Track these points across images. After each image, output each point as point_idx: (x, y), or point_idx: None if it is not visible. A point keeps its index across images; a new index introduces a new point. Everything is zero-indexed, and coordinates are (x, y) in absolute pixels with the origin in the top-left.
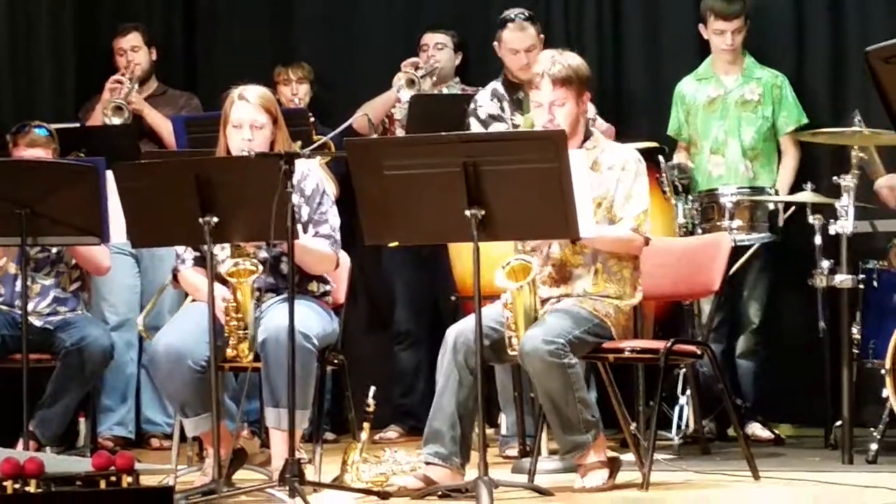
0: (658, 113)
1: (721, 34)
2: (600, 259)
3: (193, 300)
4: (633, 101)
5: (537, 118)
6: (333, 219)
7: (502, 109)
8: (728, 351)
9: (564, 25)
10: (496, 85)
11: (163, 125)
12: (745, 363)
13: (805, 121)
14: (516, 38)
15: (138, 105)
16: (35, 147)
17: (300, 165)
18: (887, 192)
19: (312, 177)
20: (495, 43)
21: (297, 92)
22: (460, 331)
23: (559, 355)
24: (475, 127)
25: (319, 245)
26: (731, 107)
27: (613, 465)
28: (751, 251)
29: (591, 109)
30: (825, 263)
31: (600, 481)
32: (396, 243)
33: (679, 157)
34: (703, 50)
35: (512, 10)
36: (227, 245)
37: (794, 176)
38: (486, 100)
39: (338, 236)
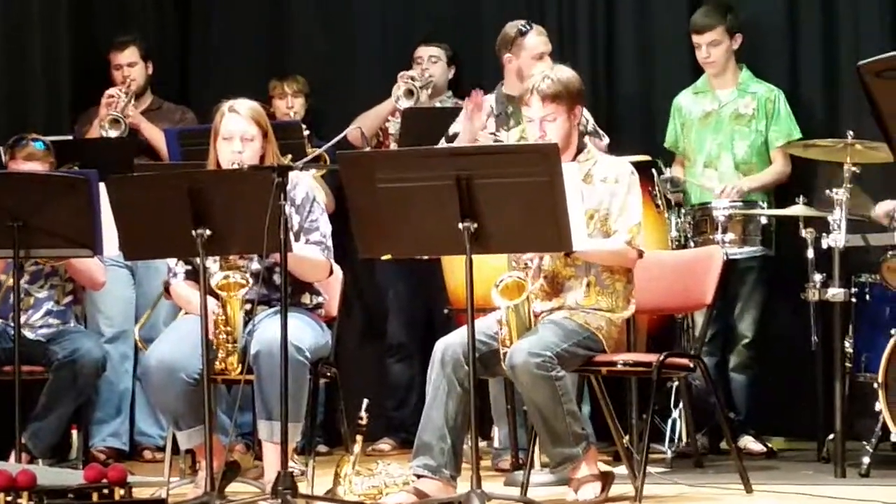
0: (651, 126)
1: (698, 48)
2: (593, 271)
3: (186, 313)
4: (626, 114)
5: (529, 134)
6: (324, 226)
7: (485, 126)
8: (721, 364)
9: (558, 38)
10: (488, 98)
11: (159, 138)
12: (738, 376)
13: (797, 136)
14: (541, 42)
15: (135, 119)
16: (32, 160)
17: (290, 175)
18: (885, 219)
19: (302, 185)
20: (507, 55)
21: (292, 105)
22: (448, 344)
23: (546, 368)
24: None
25: (311, 253)
26: (725, 121)
27: (606, 479)
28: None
29: (591, 122)
30: (817, 277)
31: (592, 495)
32: (389, 256)
33: (673, 171)
34: (696, 64)
35: (515, 21)
36: (217, 258)
37: (770, 182)
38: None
39: (329, 243)
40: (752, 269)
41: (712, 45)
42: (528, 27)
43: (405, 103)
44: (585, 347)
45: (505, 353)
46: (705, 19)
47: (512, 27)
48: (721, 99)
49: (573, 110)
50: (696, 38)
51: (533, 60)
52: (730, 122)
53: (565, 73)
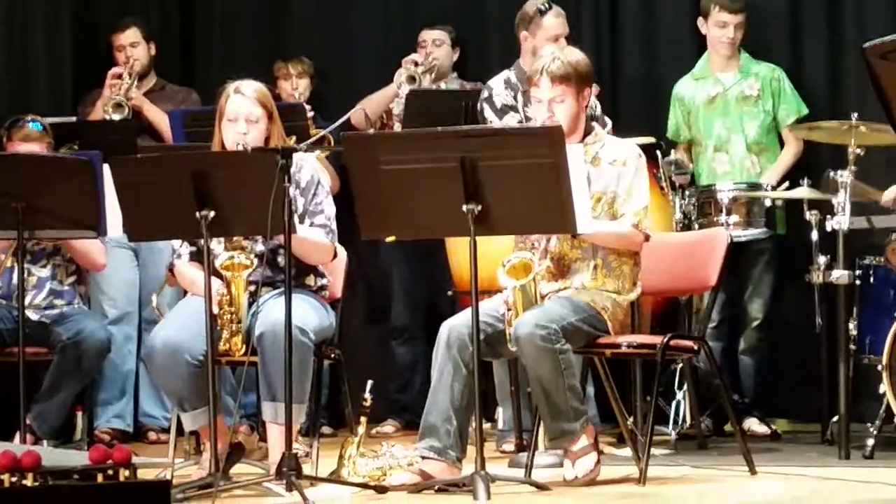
0: (655, 107)
1: (724, 27)
2: (600, 254)
3: (188, 294)
4: (630, 95)
5: (537, 115)
6: (329, 208)
7: (515, 100)
8: (728, 347)
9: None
10: (509, 75)
11: (161, 120)
12: (747, 359)
13: (805, 112)
14: (559, 24)
15: (137, 100)
16: (29, 142)
17: (294, 157)
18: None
19: (307, 168)
20: (524, 33)
21: (297, 87)
22: (454, 325)
23: (552, 340)
24: (490, 114)
25: (315, 235)
26: (732, 103)
27: (598, 446)
28: None
29: (598, 106)
30: (822, 259)
31: (590, 466)
32: (393, 238)
33: (677, 154)
34: (700, 44)
35: (533, 1)
36: (222, 239)
37: (790, 164)
38: (500, 88)
39: (333, 226)
40: (762, 251)
41: (738, 28)
42: (548, 7)
43: (407, 89)
44: (590, 325)
45: (510, 333)
46: (739, 1)
47: (531, 5)
48: (724, 82)
49: (582, 92)
50: (725, 17)
51: (548, 42)
52: (737, 105)
53: (575, 55)
